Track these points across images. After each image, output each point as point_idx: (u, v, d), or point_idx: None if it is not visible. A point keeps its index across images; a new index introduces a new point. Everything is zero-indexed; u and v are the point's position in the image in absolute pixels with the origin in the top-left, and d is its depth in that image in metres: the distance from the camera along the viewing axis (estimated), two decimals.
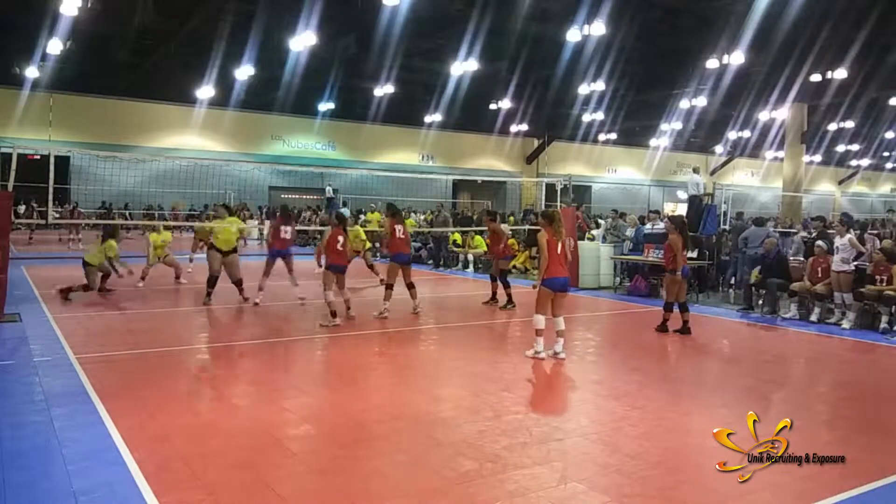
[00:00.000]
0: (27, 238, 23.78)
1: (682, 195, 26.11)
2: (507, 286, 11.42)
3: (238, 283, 11.19)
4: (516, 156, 43.17)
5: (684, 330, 9.17)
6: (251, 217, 30.11)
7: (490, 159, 42.62)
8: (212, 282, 10.96)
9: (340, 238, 9.36)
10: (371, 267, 14.53)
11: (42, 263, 16.76)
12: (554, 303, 7.49)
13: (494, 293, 11.70)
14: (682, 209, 27.18)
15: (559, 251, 7.41)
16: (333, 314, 9.12)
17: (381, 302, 10.21)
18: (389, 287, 10.25)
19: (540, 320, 7.37)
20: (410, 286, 10.52)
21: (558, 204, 15.68)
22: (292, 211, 20.45)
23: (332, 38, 23.69)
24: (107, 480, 4.09)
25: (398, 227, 10.40)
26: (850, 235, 10.60)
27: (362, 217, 23.26)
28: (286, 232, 11.29)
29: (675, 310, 9.19)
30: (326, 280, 9.26)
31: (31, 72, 27.75)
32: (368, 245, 15.26)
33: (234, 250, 11.21)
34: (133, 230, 28.82)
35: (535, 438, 5.01)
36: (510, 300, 11.31)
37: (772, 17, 19.29)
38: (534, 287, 7.54)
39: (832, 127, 36.69)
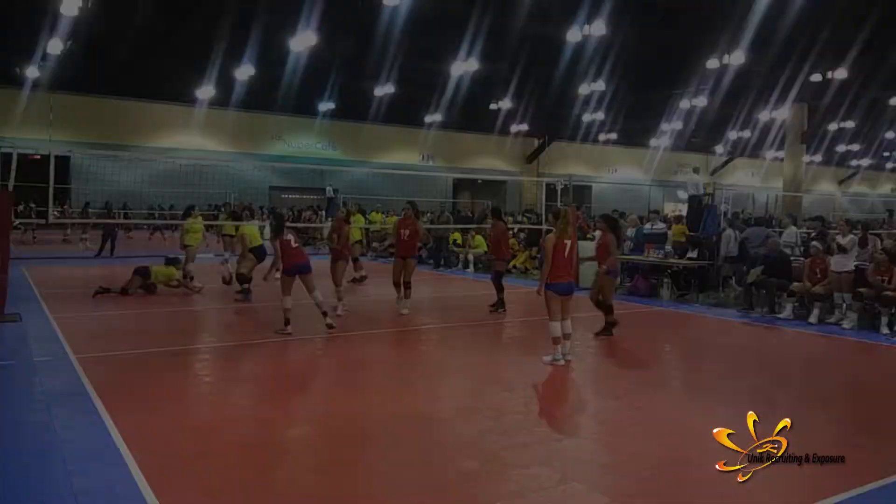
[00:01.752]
0: (31, 238, 23.75)
1: (682, 195, 26.11)
2: (500, 290, 11.03)
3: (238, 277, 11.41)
4: (516, 156, 43.17)
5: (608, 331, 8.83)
6: (253, 218, 30.05)
7: (490, 159, 42.61)
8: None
9: (290, 237, 8.61)
10: (356, 261, 14.03)
11: (42, 263, 16.76)
12: (561, 306, 7.44)
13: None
14: (682, 209, 27.14)
15: (566, 255, 7.26)
16: (287, 322, 8.51)
17: (396, 302, 10.46)
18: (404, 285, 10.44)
19: (555, 328, 7.20)
20: (407, 286, 10.64)
21: (558, 203, 15.65)
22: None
23: (332, 38, 23.69)
24: (107, 480, 4.09)
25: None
26: (852, 236, 10.58)
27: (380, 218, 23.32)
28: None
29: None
30: (285, 285, 8.51)
31: (31, 72, 27.77)
32: (360, 237, 15.18)
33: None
34: (134, 229, 28.79)
35: (535, 438, 5.02)
36: (502, 303, 10.93)
37: (772, 17, 19.28)
38: (538, 293, 7.40)
39: (832, 127, 36.70)
